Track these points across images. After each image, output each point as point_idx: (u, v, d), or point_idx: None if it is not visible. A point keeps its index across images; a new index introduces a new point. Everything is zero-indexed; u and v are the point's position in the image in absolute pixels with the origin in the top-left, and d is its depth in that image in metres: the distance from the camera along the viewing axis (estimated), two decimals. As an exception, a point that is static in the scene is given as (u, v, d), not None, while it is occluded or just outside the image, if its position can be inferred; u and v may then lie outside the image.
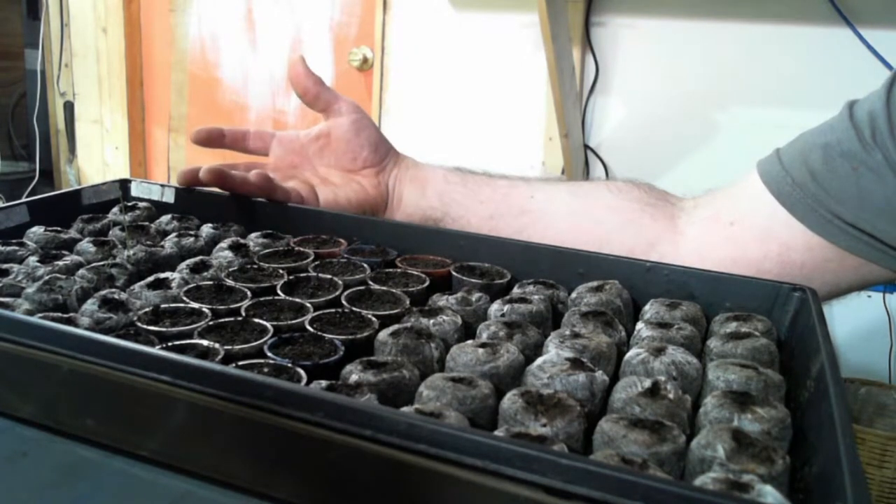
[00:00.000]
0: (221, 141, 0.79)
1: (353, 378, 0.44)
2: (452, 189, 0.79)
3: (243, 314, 0.53)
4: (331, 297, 0.57)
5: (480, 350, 0.48)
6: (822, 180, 0.65)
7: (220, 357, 0.46)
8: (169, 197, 0.77)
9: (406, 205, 0.80)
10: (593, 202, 0.77)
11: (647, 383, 0.44)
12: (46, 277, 0.54)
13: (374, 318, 0.53)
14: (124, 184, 0.78)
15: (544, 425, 0.40)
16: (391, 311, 0.55)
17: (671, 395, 0.43)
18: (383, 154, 0.81)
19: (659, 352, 0.48)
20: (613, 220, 0.75)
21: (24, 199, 0.69)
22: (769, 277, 0.62)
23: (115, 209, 0.73)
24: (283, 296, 0.56)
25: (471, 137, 2.21)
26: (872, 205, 0.63)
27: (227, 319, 0.51)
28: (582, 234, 0.73)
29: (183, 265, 0.61)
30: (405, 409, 0.40)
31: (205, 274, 0.60)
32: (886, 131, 0.62)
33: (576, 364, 0.46)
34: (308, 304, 0.55)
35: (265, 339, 0.49)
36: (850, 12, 1.73)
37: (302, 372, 0.45)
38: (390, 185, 0.80)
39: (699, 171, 1.92)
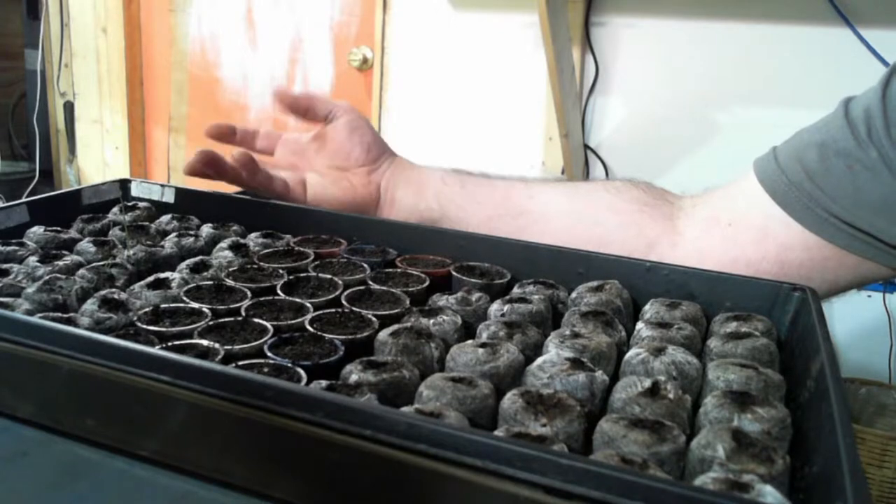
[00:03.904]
0: (232, 138, 0.82)
1: (353, 378, 0.44)
2: (450, 190, 0.79)
3: (243, 314, 0.53)
4: (331, 297, 0.57)
5: (480, 350, 0.48)
6: (818, 179, 0.65)
7: (220, 357, 0.46)
8: (169, 197, 0.77)
9: (400, 206, 0.80)
10: (592, 203, 0.77)
11: (647, 383, 0.44)
12: (46, 277, 0.54)
13: (374, 318, 0.53)
14: (124, 184, 0.78)
15: (544, 425, 0.40)
16: (391, 311, 0.55)
17: (671, 395, 0.43)
18: (376, 154, 0.81)
19: (659, 352, 0.48)
20: (612, 220, 0.75)
21: (24, 199, 0.69)
22: (768, 277, 0.62)
23: (115, 209, 0.73)
24: (283, 296, 0.56)
25: (471, 137, 2.21)
26: (869, 203, 0.63)
27: (227, 319, 0.51)
28: (581, 234, 0.73)
29: (183, 265, 0.61)
30: (405, 409, 0.40)
31: (205, 274, 0.60)
32: (882, 128, 0.62)
33: (576, 364, 0.46)
34: (308, 304, 0.55)
35: (265, 339, 0.49)
36: (850, 12, 1.73)
37: (302, 372, 0.45)
38: (382, 186, 0.80)
39: (699, 171, 1.92)
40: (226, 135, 0.82)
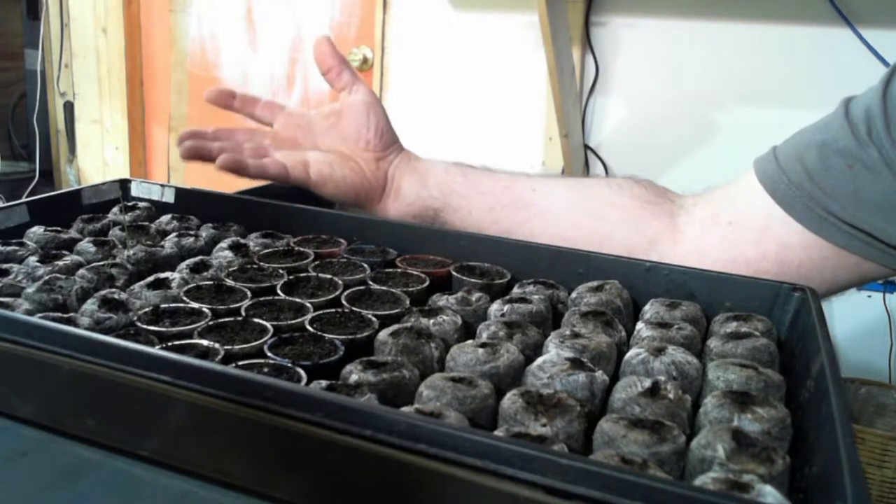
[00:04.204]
0: (231, 103, 0.82)
1: (353, 378, 0.44)
2: (452, 180, 0.79)
3: (243, 314, 0.53)
4: (331, 297, 0.57)
5: (480, 350, 0.48)
6: (818, 178, 0.65)
7: (220, 357, 0.46)
8: (169, 197, 0.77)
9: (404, 195, 0.80)
10: (593, 198, 0.77)
11: (647, 383, 0.44)
12: (46, 277, 0.54)
13: (374, 318, 0.53)
14: (124, 184, 0.78)
15: (544, 425, 0.40)
16: (391, 311, 0.55)
17: (671, 395, 0.43)
18: (388, 142, 0.81)
19: (659, 352, 0.48)
20: (613, 216, 0.74)
21: (24, 199, 0.69)
22: (768, 277, 0.62)
23: (115, 209, 0.73)
24: (283, 296, 0.56)
25: (471, 137, 2.21)
26: (868, 202, 0.63)
27: (227, 319, 0.51)
28: (582, 230, 0.73)
29: (183, 265, 0.61)
30: (405, 409, 0.40)
31: (205, 274, 0.60)
32: (882, 128, 0.62)
33: (576, 364, 0.46)
34: (308, 304, 0.55)
35: (265, 339, 0.49)
36: (850, 12, 1.73)
37: (302, 372, 0.45)
38: (389, 174, 0.80)
39: (699, 170, 1.92)
40: (225, 100, 0.81)
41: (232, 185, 0.80)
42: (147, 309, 0.52)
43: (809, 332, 0.50)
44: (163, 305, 0.53)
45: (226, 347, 0.47)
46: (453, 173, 0.80)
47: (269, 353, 0.47)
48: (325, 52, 0.82)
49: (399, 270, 0.63)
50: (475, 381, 0.44)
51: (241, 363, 0.45)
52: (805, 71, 1.81)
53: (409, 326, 0.51)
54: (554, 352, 0.48)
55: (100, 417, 0.42)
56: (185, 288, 0.56)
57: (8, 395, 0.44)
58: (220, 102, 0.81)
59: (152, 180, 0.77)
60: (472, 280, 0.62)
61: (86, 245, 0.63)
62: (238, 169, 0.72)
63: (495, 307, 0.56)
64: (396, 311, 0.55)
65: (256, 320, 0.51)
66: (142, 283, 0.56)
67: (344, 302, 0.56)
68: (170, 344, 0.47)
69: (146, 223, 0.70)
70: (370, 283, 0.60)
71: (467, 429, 0.38)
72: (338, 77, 0.82)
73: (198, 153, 0.73)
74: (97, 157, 2.99)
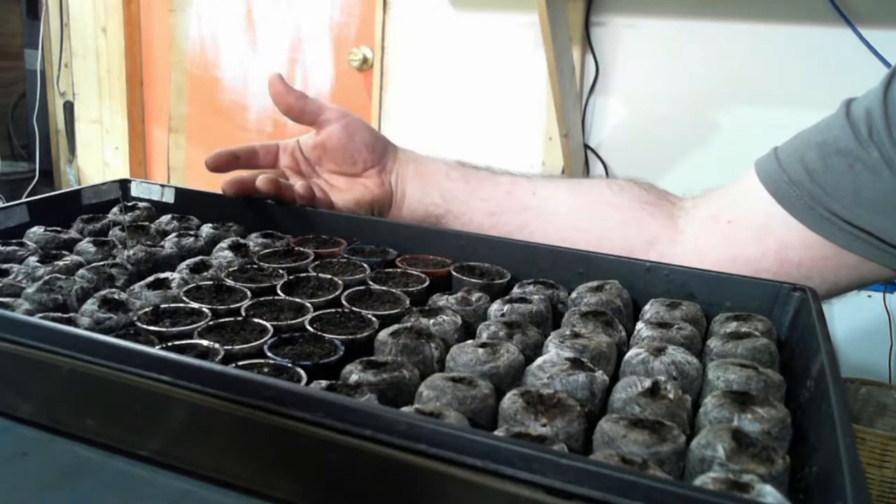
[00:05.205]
0: (237, 164, 0.78)
1: (353, 378, 0.44)
2: (454, 186, 0.79)
3: (243, 314, 0.53)
4: (331, 297, 0.57)
5: (480, 350, 0.48)
6: (819, 178, 0.65)
7: (220, 357, 0.46)
8: (169, 197, 0.77)
9: (410, 200, 0.80)
10: (594, 200, 0.77)
11: (647, 383, 0.44)
12: (46, 277, 0.54)
13: (374, 318, 0.53)
14: (124, 184, 0.78)
15: (544, 425, 0.40)
16: (391, 311, 0.55)
17: (671, 395, 0.43)
18: (381, 153, 0.81)
19: (659, 352, 0.48)
20: (614, 218, 0.75)
21: (24, 199, 0.69)
22: (768, 276, 0.62)
23: (115, 209, 0.73)
24: (283, 296, 0.56)
25: (471, 137, 2.21)
26: (869, 202, 0.63)
27: (227, 319, 0.51)
28: (582, 231, 0.74)
29: (183, 265, 0.61)
30: (405, 409, 0.40)
31: (205, 274, 0.60)
32: (883, 128, 0.62)
33: (576, 364, 0.46)
34: (308, 304, 0.55)
35: (265, 339, 0.49)
36: (850, 12, 1.73)
37: (302, 372, 0.45)
38: (394, 183, 0.80)
39: (699, 171, 1.92)
40: (230, 163, 0.77)
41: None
42: (147, 309, 0.52)
43: (809, 332, 0.50)
44: (163, 305, 0.53)
45: (226, 347, 0.47)
46: (455, 179, 0.80)
47: (269, 353, 0.47)
48: (281, 92, 0.78)
49: (399, 270, 0.63)
50: (475, 381, 0.44)
51: (241, 363, 0.45)
52: (805, 71, 1.81)
53: (409, 326, 0.51)
54: (554, 352, 0.48)
55: (100, 417, 0.42)
56: (185, 288, 0.56)
57: (8, 395, 0.44)
58: (224, 167, 0.77)
59: (152, 180, 0.77)
60: (472, 280, 0.62)
61: (86, 245, 0.63)
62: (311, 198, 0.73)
63: (495, 307, 0.56)
64: (396, 311, 0.55)
65: (256, 320, 0.51)
66: (142, 283, 0.56)
67: (344, 302, 0.56)
68: (170, 344, 0.47)
69: (146, 223, 0.70)
70: (370, 283, 0.60)
71: (467, 429, 0.38)
72: (301, 114, 0.79)
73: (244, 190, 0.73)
74: (97, 157, 3.00)
